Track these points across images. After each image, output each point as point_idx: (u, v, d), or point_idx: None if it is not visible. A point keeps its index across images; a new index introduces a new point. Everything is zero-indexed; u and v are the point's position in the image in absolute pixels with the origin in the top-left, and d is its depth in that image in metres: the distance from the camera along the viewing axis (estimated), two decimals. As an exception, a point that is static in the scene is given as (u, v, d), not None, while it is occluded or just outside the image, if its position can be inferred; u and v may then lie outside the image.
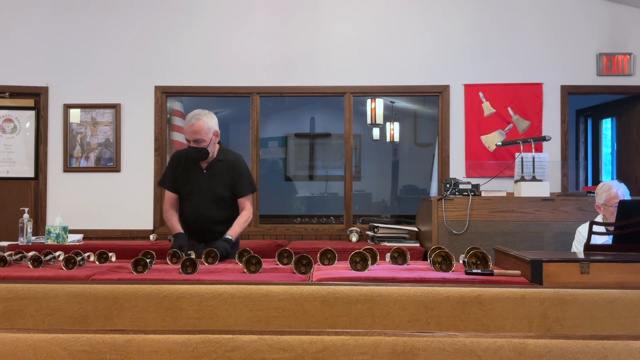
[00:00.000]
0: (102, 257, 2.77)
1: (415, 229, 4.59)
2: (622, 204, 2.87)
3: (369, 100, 6.72)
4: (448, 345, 1.44)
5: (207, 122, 3.13)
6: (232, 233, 3.14)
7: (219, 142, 3.26)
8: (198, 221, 3.16)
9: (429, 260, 2.49)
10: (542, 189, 4.03)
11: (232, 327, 1.96)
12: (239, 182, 3.24)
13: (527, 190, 4.02)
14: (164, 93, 5.34)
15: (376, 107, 6.75)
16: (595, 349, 1.44)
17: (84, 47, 5.31)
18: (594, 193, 3.70)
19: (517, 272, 2.34)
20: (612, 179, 5.54)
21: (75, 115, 5.28)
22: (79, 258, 2.56)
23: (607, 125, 6.13)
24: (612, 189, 3.47)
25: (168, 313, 1.99)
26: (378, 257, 2.59)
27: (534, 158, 4.09)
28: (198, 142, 3.12)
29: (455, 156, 5.23)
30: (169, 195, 3.30)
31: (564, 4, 5.24)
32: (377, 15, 5.31)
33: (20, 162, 5.30)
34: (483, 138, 5.20)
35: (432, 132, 7.51)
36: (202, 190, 3.18)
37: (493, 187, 4.26)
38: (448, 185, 4.08)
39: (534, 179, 4.08)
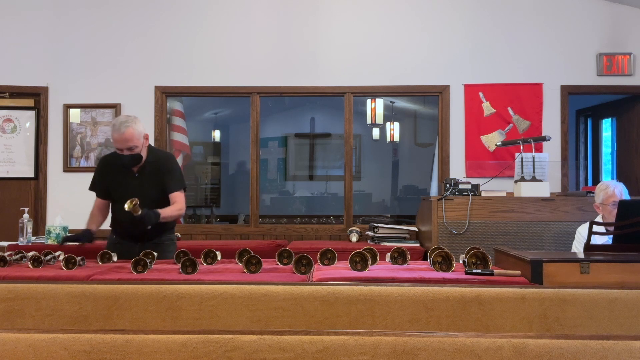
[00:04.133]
0: (105, 257, 2.77)
1: (415, 229, 4.59)
2: (622, 204, 2.87)
3: (369, 100, 6.72)
4: (448, 345, 1.44)
5: (136, 127, 3.10)
6: (162, 211, 3.11)
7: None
8: (132, 223, 3.07)
9: (429, 260, 2.49)
10: (542, 189, 4.03)
11: (232, 327, 1.96)
12: (169, 179, 3.24)
13: (527, 190, 4.02)
14: (164, 93, 5.34)
15: (376, 107, 6.75)
16: (595, 349, 1.44)
17: (84, 47, 5.32)
18: (593, 193, 3.71)
19: (517, 272, 2.34)
20: (612, 179, 5.54)
21: (75, 115, 5.28)
22: (79, 258, 2.57)
23: (607, 125, 6.13)
24: (609, 188, 3.48)
25: (168, 313, 1.99)
26: (378, 257, 2.59)
27: (534, 158, 4.09)
28: (131, 150, 3.10)
29: (455, 156, 5.23)
30: (99, 201, 3.36)
31: (564, 4, 5.24)
32: (377, 15, 5.31)
33: (20, 162, 5.30)
34: (483, 138, 5.20)
35: (432, 132, 7.51)
36: (135, 194, 3.13)
37: (493, 187, 4.26)
38: (448, 185, 4.08)
39: (534, 179, 4.08)
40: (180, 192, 3.28)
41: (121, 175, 3.22)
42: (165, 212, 3.15)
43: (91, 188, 3.39)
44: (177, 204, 3.22)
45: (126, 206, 2.91)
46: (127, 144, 3.08)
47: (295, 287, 2.01)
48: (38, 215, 5.22)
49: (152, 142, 5.25)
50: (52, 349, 1.46)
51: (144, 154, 3.19)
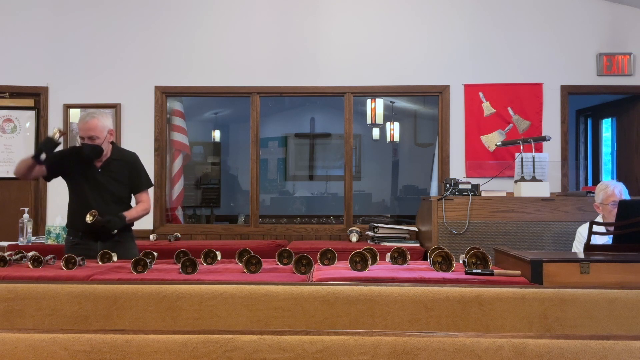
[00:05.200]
0: (105, 257, 2.77)
1: (415, 229, 4.59)
2: (622, 204, 2.87)
3: (369, 100, 6.72)
4: (448, 345, 1.44)
5: (102, 120, 3.16)
6: (127, 213, 3.19)
7: (111, 142, 3.28)
8: (94, 225, 3.06)
9: (429, 260, 2.49)
10: (542, 189, 4.03)
11: (232, 327, 1.96)
12: (137, 178, 3.32)
13: (527, 190, 4.02)
14: (164, 93, 5.34)
15: (376, 107, 6.75)
16: (595, 349, 1.44)
17: (84, 47, 5.32)
18: (594, 193, 3.71)
19: (517, 272, 2.34)
20: (612, 178, 5.55)
21: (75, 115, 5.28)
22: (78, 258, 2.57)
23: (607, 125, 6.13)
24: (609, 187, 3.49)
25: (168, 313, 1.99)
26: (378, 257, 2.59)
27: (534, 158, 4.09)
28: (92, 140, 3.14)
29: (455, 156, 5.23)
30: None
31: (564, 4, 5.24)
32: (377, 16, 5.31)
33: (20, 162, 5.29)
34: (483, 138, 5.20)
35: (432, 132, 7.51)
36: (98, 189, 3.17)
37: (493, 187, 4.26)
38: (448, 185, 4.08)
39: (534, 179, 4.08)
40: (147, 191, 3.36)
41: (84, 167, 3.22)
42: (131, 214, 3.22)
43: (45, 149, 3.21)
44: (142, 203, 3.31)
45: (88, 219, 2.97)
46: (88, 132, 3.14)
47: (295, 287, 2.01)
48: (38, 215, 5.22)
49: (152, 142, 5.26)
50: (52, 349, 1.46)
51: (105, 148, 3.21)
